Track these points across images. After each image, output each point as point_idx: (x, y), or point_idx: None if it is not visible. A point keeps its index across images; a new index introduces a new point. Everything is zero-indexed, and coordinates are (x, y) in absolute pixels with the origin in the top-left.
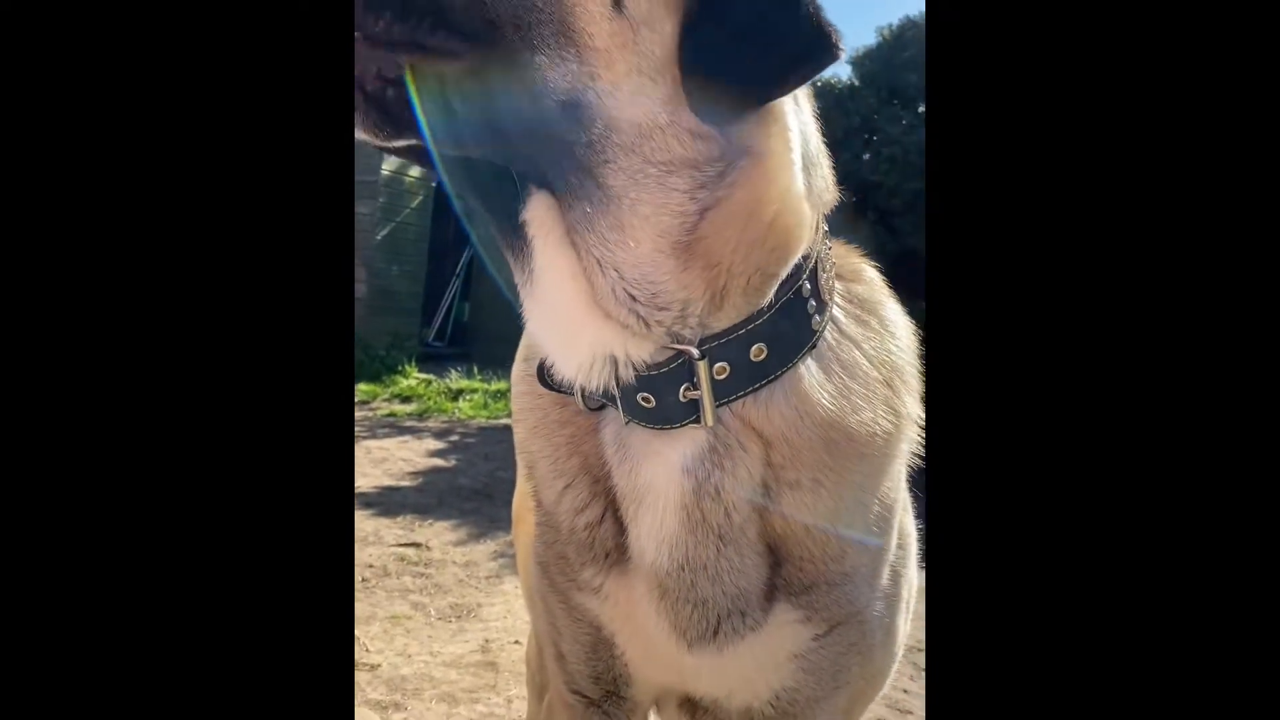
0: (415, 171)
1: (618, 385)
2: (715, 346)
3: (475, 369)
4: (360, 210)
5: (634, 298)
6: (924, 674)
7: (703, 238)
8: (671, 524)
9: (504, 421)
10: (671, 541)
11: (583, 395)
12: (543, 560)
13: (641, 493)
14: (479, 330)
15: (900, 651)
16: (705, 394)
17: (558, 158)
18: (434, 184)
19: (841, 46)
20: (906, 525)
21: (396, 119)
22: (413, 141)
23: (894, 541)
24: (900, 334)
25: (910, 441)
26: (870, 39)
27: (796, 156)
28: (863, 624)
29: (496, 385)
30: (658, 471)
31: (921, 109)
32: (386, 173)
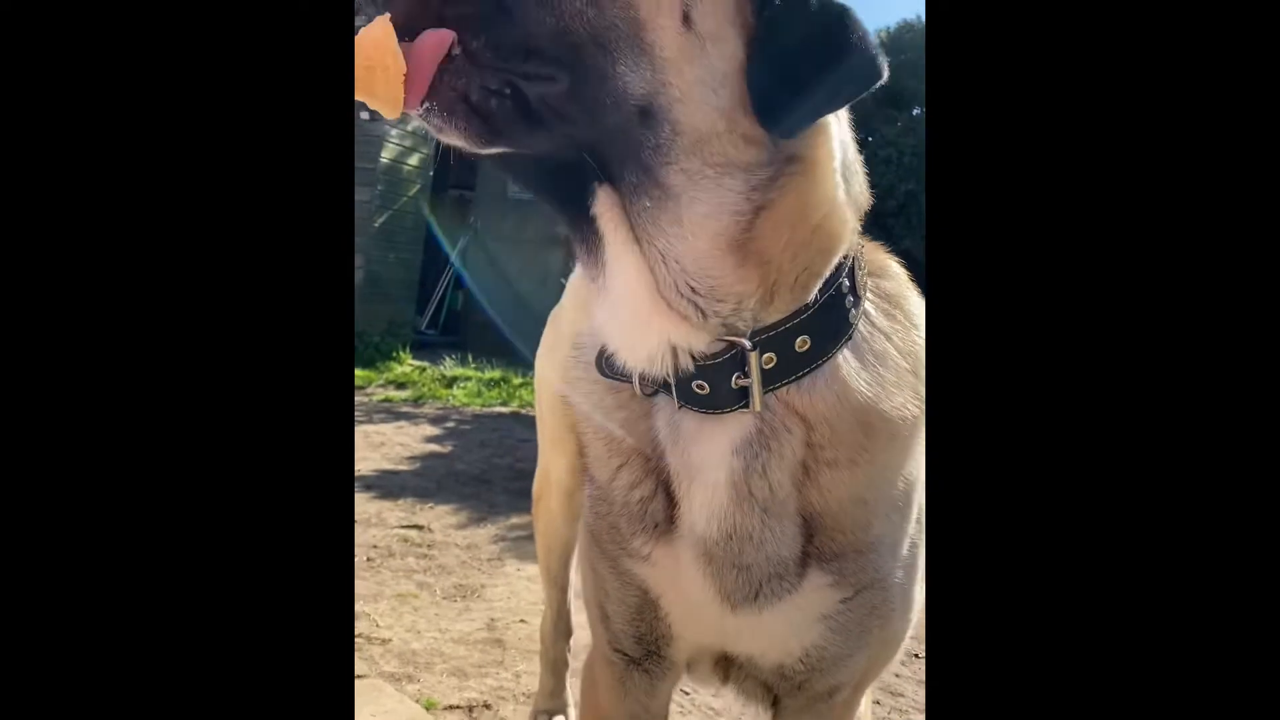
0: (414, 160)
1: (676, 373)
2: (765, 339)
3: (469, 357)
4: (358, 198)
5: (694, 289)
6: (916, 659)
7: (757, 237)
8: (722, 499)
9: (498, 410)
10: (721, 514)
11: (640, 383)
12: (594, 530)
13: (694, 471)
14: (472, 319)
15: (915, 619)
16: (755, 382)
17: (624, 156)
18: (431, 173)
19: (885, 71)
20: (924, 503)
21: (498, 129)
22: (504, 149)
23: (915, 516)
24: (924, 326)
25: None
26: None
27: (839, 165)
28: (885, 590)
29: (490, 374)
30: (709, 452)
31: (916, 111)
32: (385, 160)
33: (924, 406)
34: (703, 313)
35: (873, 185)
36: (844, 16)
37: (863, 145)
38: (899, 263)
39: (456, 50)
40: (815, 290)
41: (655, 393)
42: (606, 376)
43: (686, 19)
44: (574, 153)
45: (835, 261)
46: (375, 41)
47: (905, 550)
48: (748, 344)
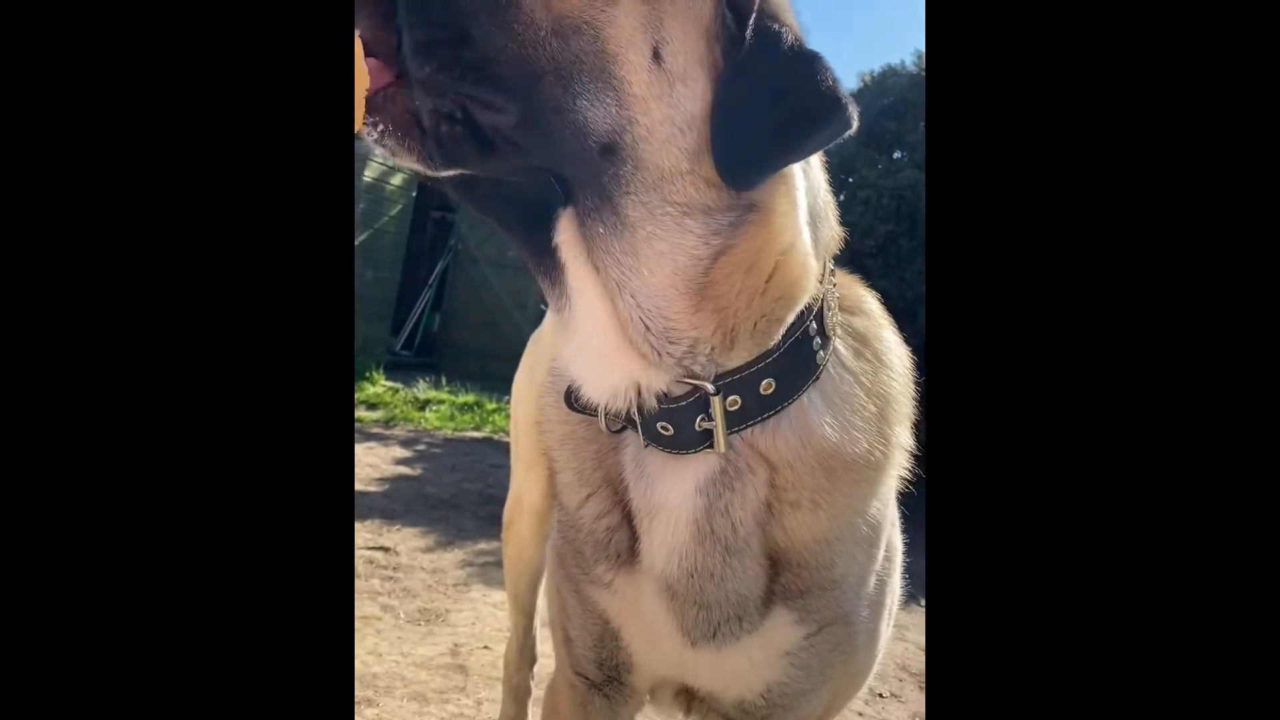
0: (396, 180)
1: (640, 413)
2: (729, 383)
3: (443, 380)
4: None
5: (648, 327)
6: (879, 698)
7: (713, 282)
8: (683, 536)
9: (470, 434)
10: (682, 552)
11: (606, 418)
12: (561, 553)
13: (655, 509)
14: (448, 342)
15: (880, 653)
16: (719, 426)
17: (584, 180)
18: (414, 193)
19: (855, 120)
20: (894, 539)
21: (449, 153)
22: (460, 172)
23: (881, 554)
24: (895, 364)
25: (899, 467)
26: (852, 84)
27: (802, 213)
28: (848, 625)
29: (464, 398)
30: (672, 491)
31: (897, 154)
32: (368, 179)
33: (890, 448)
34: (656, 352)
35: (852, 226)
36: (815, 63)
37: (843, 186)
38: (875, 297)
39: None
40: (778, 335)
41: (622, 429)
42: (574, 411)
43: (656, 55)
44: (537, 179)
45: (797, 309)
46: None
47: (871, 586)
48: (710, 388)
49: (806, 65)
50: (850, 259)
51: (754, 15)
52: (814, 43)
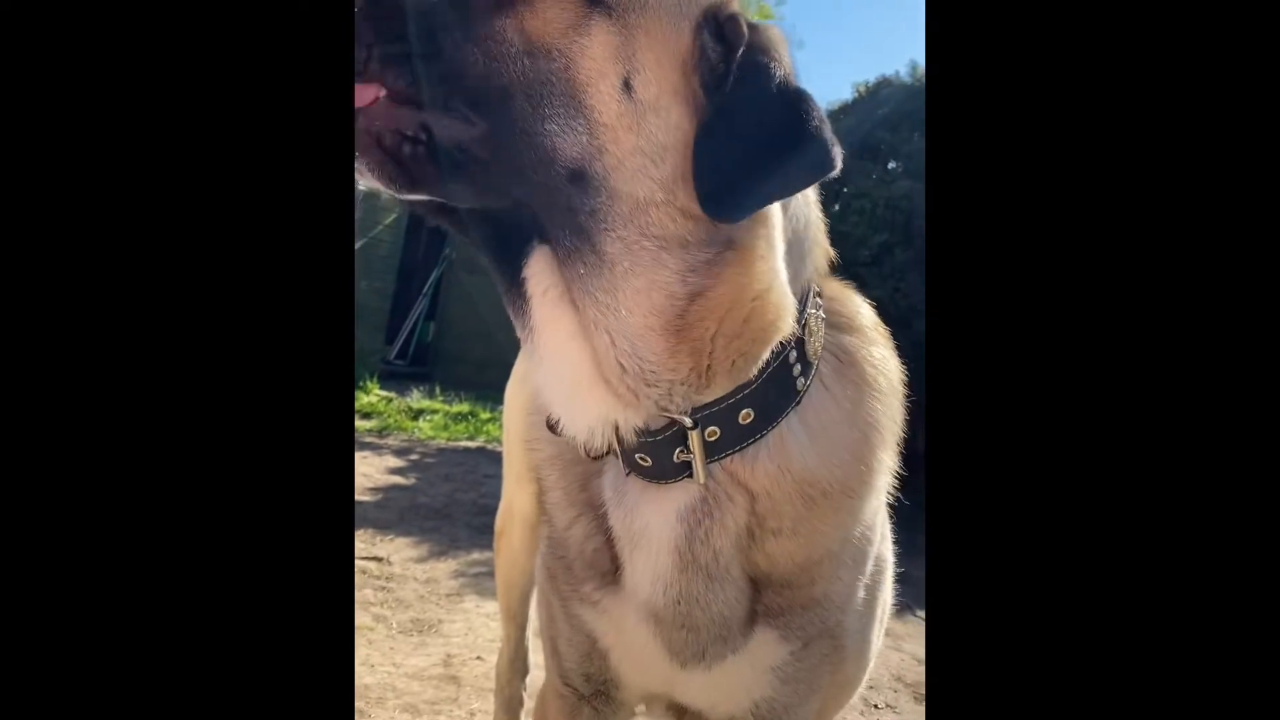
0: None
1: (619, 446)
2: (706, 415)
3: (437, 389)
4: None
5: (624, 367)
6: (874, 709)
7: (689, 325)
8: (666, 564)
9: (464, 444)
10: (666, 579)
11: (585, 448)
12: (549, 566)
13: (636, 536)
14: (442, 351)
15: (871, 662)
16: (697, 456)
17: (560, 218)
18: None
19: (839, 161)
20: (883, 552)
21: (412, 174)
22: (426, 196)
23: (870, 567)
24: (881, 385)
25: (883, 491)
26: (847, 95)
27: (779, 254)
28: (835, 638)
29: (457, 407)
30: (652, 518)
31: (891, 164)
32: (363, 187)
33: (872, 475)
34: (634, 393)
35: (847, 236)
36: (803, 102)
37: (838, 196)
38: (869, 307)
39: (381, 94)
40: (755, 369)
41: (604, 454)
42: (555, 434)
43: (627, 85)
44: (508, 206)
45: (773, 345)
46: None
47: (859, 600)
48: (688, 422)
49: (794, 103)
50: (846, 269)
51: (741, 49)
52: (808, 54)
